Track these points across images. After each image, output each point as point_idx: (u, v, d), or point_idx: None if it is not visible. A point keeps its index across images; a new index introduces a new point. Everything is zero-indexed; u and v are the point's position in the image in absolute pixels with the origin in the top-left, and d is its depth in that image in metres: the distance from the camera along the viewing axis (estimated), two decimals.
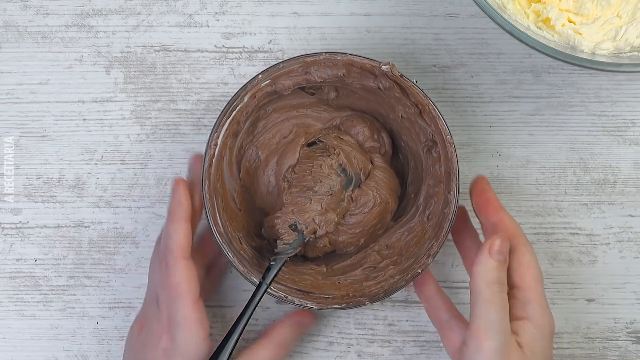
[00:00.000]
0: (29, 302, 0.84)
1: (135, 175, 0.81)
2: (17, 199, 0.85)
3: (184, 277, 0.71)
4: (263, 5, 0.83)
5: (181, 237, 0.72)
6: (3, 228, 0.84)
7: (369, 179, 0.78)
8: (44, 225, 0.84)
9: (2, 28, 0.85)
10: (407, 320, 0.84)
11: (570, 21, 0.80)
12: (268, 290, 0.74)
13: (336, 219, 0.77)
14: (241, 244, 0.75)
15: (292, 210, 0.76)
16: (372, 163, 0.79)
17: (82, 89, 0.82)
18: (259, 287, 0.75)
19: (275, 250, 0.76)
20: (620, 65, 0.75)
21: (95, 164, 0.81)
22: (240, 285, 0.81)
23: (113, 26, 0.85)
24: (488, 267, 0.69)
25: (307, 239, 0.77)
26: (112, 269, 0.82)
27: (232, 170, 0.77)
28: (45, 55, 0.86)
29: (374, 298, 0.74)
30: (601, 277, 0.86)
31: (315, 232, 0.77)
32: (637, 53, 0.78)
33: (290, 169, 0.78)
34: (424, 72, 0.83)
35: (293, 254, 0.77)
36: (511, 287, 0.71)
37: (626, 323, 0.85)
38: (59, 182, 0.82)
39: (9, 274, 0.85)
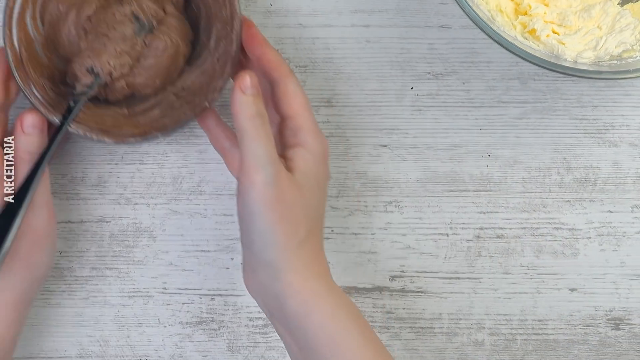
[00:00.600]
0: (54, 291, 0.84)
1: (153, 174, 0.83)
2: None
3: None
4: (271, 17, 0.84)
5: None
6: None
7: (161, 26, 0.80)
8: (69, 221, 0.84)
9: None
10: (403, 309, 0.84)
11: (554, 32, 0.80)
12: (69, 129, 0.76)
13: (130, 61, 0.79)
14: (45, 89, 0.78)
15: (88, 55, 0.78)
16: (164, 11, 0.81)
17: None
18: (60, 126, 0.76)
19: (74, 92, 0.78)
20: (601, 72, 0.77)
21: (116, 164, 0.82)
22: None
23: None
24: (244, 103, 0.68)
25: (103, 81, 0.79)
26: (131, 261, 0.83)
27: (37, 24, 0.79)
28: None
29: (166, 131, 0.77)
30: (583, 268, 0.86)
31: (111, 74, 0.79)
32: (616, 61, 0.78)
33: (87, 19, 0.80)
34: (420, 79, 0.83)
35: (91, 94, 0.78)
36: (282, 118, 0.72)
37: (606, 311, 0.86)
38: (82, 180, 0.82)
39: None
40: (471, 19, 0.74)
